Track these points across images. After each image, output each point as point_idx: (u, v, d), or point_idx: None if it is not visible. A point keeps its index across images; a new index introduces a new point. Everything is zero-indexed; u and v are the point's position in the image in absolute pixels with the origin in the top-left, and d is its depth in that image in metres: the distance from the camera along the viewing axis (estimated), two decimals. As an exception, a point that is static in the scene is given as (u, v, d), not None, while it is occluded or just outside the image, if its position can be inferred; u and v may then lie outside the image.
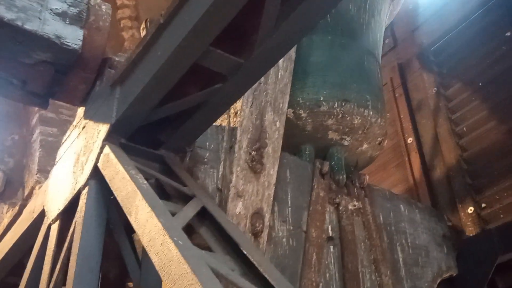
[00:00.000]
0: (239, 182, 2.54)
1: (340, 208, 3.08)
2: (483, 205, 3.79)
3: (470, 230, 3.74)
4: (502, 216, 3.66)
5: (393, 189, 4.35)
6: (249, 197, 2.55)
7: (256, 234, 2.52)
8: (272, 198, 2.65)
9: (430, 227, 3.59)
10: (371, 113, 3.32)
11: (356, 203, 3.14)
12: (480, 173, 3.89)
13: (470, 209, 3.81)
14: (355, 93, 3.32)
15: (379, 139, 3.47)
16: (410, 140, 4.52)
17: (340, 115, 3.26)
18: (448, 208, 3.94)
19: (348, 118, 3.27)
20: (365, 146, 3.39)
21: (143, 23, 4.04)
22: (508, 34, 3.92)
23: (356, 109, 3.28)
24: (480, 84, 4.02)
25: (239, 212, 2.48)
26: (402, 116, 4.68)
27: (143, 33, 3.92)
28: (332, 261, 2.90)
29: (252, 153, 2.65)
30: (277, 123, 2.83)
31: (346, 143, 3.33)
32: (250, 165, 2.62)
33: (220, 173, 2.57)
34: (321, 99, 3.24)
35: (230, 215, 2.44)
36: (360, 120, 3.30)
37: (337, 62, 3.39)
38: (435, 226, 3.64)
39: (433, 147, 4.29)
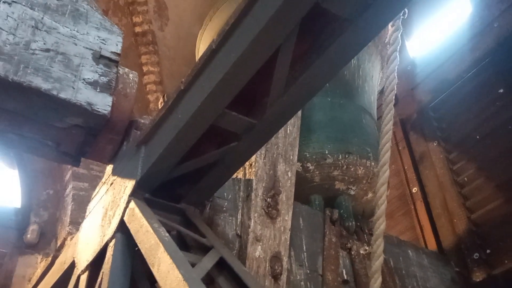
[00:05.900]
0: (257, 227, 2.52)
1: (353, 253, 3.03)
2: (488, 251, 3.69)
3: (477, 275, 3.62)
4: (506, 261, 3.55)
5: (400, 237, 4.26)
6: (267, 241, 2.53)
7: (276, 277, 2.47)
8: (288, 243, 2.62)
9: (439, 271, 3.50)
10: (373, 163, 3.34)
11: (367, 248, 3.08)
12: (483, 219, 3.80)
13: (476, 255, 3.70)
14: (356, 146, 3.37)
15: None
16: (415, 189, 4.46)
17: (345, 166, 3.29)
18: (454, 255, 3.84)
19: (352, 169, 3.30)
20: (370, 195, 3.37)
21: (161, 97, 4.13)
22: (501, 91, 3.93)
23: (359, 160, 3.32)
24: (478, 137, 4.00)
25: (259, 256, 2.45)
26: (406, 167, 4.65)
27: (160, 103, 4.01)
28: (352, 304, 2.82)
29: (268, 199, 2.65)
30: (289, 173, 2.84)
31: (352, 192, 3.34)
32: (266, 211, 2.62)
33: (239, 220, 2.56)
34: (326, 152, 3.30)
35: (250, 258, 2.41)
36: (364, 170, 3.32)
37: (337, 120, 3.47)
38: (443, 271, 3.54)
39: (437, 196, 4.22)
